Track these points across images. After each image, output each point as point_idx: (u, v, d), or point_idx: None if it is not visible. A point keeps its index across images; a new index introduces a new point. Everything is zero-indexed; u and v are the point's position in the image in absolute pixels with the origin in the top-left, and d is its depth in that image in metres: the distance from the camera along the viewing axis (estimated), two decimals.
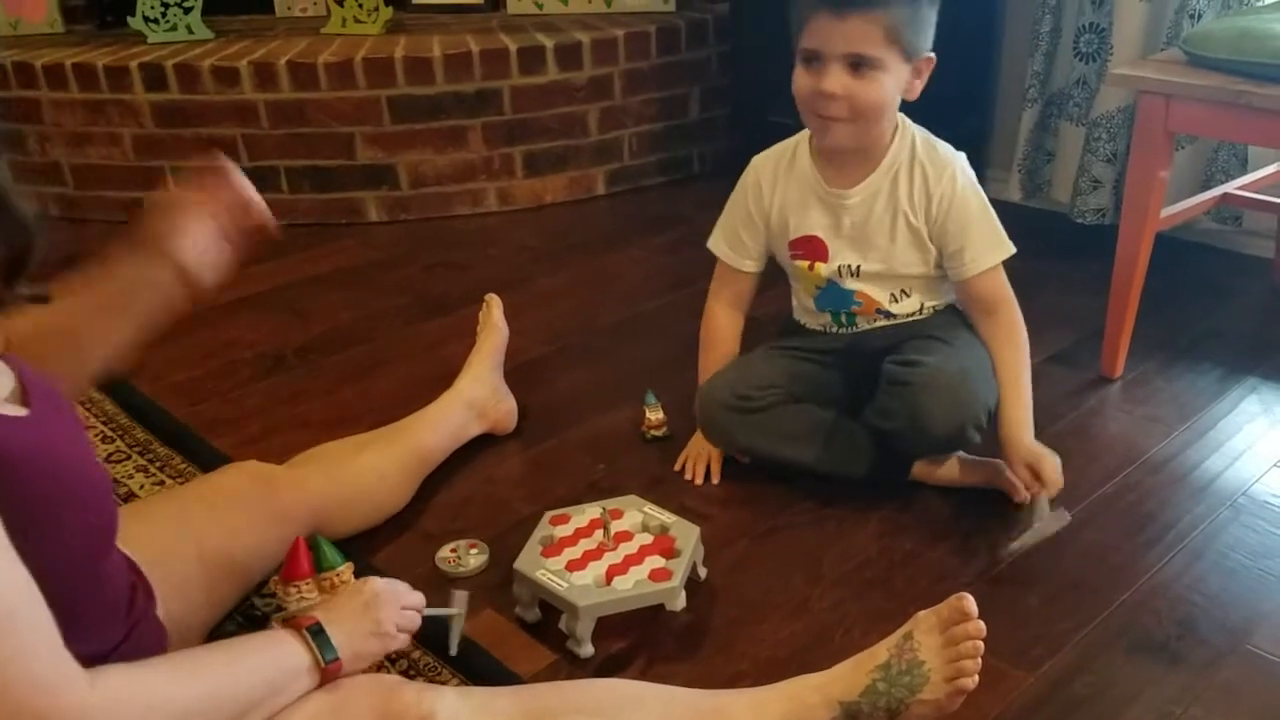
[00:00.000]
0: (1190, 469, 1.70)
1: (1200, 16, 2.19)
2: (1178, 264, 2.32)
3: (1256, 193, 2.15)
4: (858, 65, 1.45)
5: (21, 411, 0.97)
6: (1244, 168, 2.31)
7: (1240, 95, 1.67)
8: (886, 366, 1.58)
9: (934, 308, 1.66)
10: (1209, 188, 2.25)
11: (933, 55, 1.51)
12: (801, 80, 1.50)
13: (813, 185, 1.62)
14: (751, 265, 1.73)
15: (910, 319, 1.66)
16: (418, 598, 1.24)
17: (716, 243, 1.74)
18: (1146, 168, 1.82)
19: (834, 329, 1.71)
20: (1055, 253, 2.45)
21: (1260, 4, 2.10)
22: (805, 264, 1.65)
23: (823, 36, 1.46)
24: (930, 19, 1.49)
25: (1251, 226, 2.38)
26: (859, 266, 1.62)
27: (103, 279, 1.19)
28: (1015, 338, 1.60)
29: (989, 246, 1.58)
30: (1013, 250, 1.59)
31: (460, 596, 1.34)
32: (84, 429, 1.14)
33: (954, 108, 2.65)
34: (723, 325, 1.76)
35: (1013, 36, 2.66)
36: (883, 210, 1.58)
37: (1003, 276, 1.60)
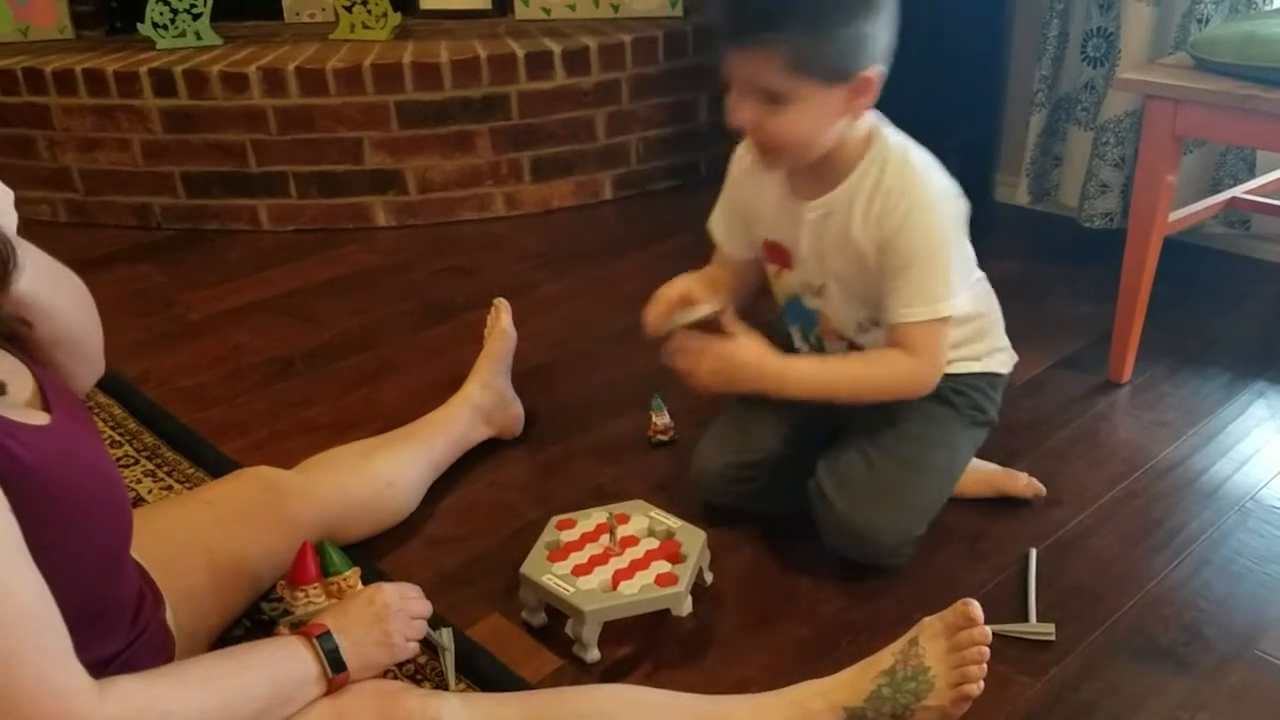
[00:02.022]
0: (1198, 474, 1.69)
1: (1207, 21, 2.18)
2: (1186, 268, 2.31)
3: (1264, 197, 2.15)
4: (764, 95, 1.29)
5: (44, 419, 0.97)
6: (1252, 172, 2.30)
7: (1247, 100, 1.66)
8: (810, 482, 1.49)
9: None
10: (1217, 192, 2.25)
11: (872, 73, 1.29)
12: (728, 104, 1.35)
13: (779, 190, 1.47)
14: (729, 249, 1.60)
15: None
16: (426, 606, 1.25)
17: (715, 219, 1.61)
18: (1154, 172, 1.82)
19: (807, 351, 1.61)
20: (1063, 257, 2.45)
21: (1268, 8, 2.10)
22: (775, 268, 1.56)
23: (729, 64, 1.30)
24: (860, 35, 1.26)
25: (1259, 231, 2.38)
26: (821, 285, 1.49)
27: None
28: (890, 372, 1.41)
29: (919, 298, 1.36)
30: (946, 314, 1.38)
31: (445, 633, 1.35)
32: (98, 431, 1.15)
33: (962, 112, 2.66)
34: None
35: (1020, 41, 2.65)
36: (836, 233, 1.42)
37: (931, 337, 1.38)
